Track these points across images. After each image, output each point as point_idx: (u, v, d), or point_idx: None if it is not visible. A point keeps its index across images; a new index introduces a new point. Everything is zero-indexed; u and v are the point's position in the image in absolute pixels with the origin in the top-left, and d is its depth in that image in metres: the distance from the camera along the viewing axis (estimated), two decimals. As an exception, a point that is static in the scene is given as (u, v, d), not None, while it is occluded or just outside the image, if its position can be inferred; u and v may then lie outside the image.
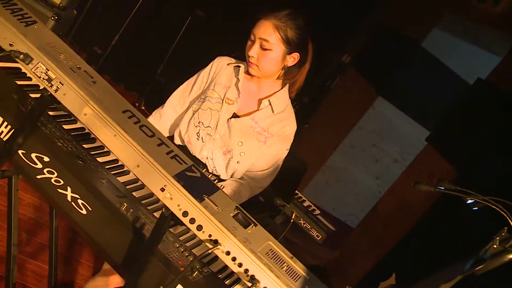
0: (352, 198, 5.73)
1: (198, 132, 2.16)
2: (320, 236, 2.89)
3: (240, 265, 1.19)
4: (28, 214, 2.86)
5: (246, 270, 1.19)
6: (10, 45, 1.32)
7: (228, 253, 1.20)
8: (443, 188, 1.28)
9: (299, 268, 1.23)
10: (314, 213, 3.03)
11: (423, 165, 4.23)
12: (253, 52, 2.06)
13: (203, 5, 5.02)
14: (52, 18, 2.70)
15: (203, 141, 2.15)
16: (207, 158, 2.17)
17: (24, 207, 2.86)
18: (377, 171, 5.73)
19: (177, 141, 2.24)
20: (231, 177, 2.19)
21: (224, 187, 2.11)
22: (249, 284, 1.16)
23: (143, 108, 5.11)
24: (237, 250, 1.19)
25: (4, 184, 2.64)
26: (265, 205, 3.06)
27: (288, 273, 1.21)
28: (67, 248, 2.85)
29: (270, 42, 2.04)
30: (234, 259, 1.20)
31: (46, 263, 2.60)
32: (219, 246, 1.19)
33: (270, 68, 2.11)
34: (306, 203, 3.11)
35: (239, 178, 2.19)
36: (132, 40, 5.06)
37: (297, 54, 2.12)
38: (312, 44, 2.19)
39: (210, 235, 1.21)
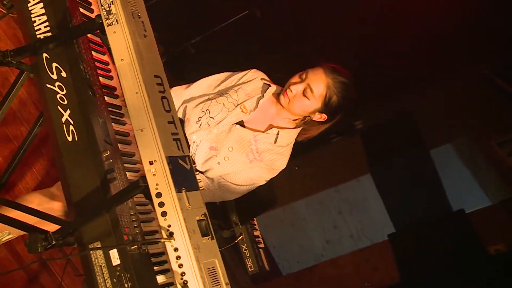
0: (295, 247, 5.76)
1: (201, 117, 2.19)
2: (253, 269, 2.92)
3: (180, 266, 1.22)
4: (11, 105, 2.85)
5: (183, 274, 1.21)
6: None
7: (176, 249, 1.22)
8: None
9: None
10: (259, 246, 3.06)
11: (373, 256, 4.31)
12: (295, 89, 2.11)
13: (264, 9, 5.05)
14: None
15: (200, 127, 2.18)
16: (194, 142, 2.20)
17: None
18: (330, 237, 5.78)
19: (180, 113, 2.28)
20: (204, 172, 2.22)
21: (200, 181, 2.14)
22: (180, 287, 1.19)
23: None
24: (185, 251, 1.22)
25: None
26: (218, 213, 3.09)
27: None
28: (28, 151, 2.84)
29: (313, 94, 2.09)
30: (178, 257, 1.22)
31: (1, 155, 2.60)
32: (171, 240, 1.21)
33: (297, 110, 2.16)
34: (256, 233, 3.14)
35: (210, 180, 2.22)
36: (183, 1, 5.04)
37: (326, 116, 2.17)
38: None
39: (169, 226, 1.24)
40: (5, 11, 1.62)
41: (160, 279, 1.49)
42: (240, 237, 2.89)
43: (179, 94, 2.31)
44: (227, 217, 2.98)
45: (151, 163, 1.26)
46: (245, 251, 2.95)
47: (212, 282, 1.23)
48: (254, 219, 3.15)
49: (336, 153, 5.46)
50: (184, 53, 5.13)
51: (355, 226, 5.72)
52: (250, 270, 2.94)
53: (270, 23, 4.93)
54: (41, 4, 1.56)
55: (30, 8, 1.57)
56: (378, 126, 5.46)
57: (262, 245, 3.17)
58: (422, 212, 4.88)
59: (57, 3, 1.57)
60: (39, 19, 1.56)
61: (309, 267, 4.57)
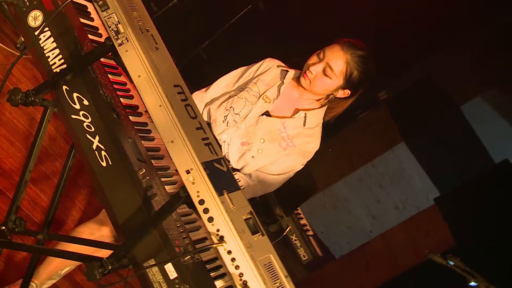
0: (343, 229, 5.73)
1: (226, 116, 2.20)
2: (306, 257, 2.92)
3: (237, 267, 1.21)
4: (41, 141, 2.90)
5: (241, 274, 1.21)
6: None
7: (229, 252, 1.22)
8: (453, 263, 1.30)
9: (290, 289, 1.25)
10: (307, 234, 3.05)
11: (423, 222, 4.23)
12: (314, 70, 2.09)
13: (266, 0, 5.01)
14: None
15: (227, 125, 2.19)
16: (224, 141, 2.21)
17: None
18: (375, 212, 5.72)
19: (204, 116, 2.28)
20: (240, 169, 2.22)
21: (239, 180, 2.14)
22: (239, 289, 1.18)
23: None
24: (239, 252, 1.21)
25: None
26: (261, 209, 3.09)
27: (278, 291, 1.23)
28: (66, 185, 2.89)
29: (333, 72, 2.06)
30: (233, 259, 1.22)
31: (43, 193, 2.65)
32: (223, 244, 1.21)
33: (320, 90, 2.14)
34: (303, 221, 3.13)
35: (247, 176, 2.22)
36: (187, 9, 5.07)
37: (349, 92, 2.15)
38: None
39: (218, 230, 1.23)
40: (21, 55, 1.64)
41: (219, 284, 1.50)
42: (288, 229, 2.89)
43: (200, 98, 2.32)
44: (271, 212, 2.98)
45: (188, 172, 1.26)
46: (295, 241, 2.95)
47: (271, 277, 1.22)
48: (298, 208, 3.14)
49: (366, 128, 5.40)
50: (197, 60, 5.15)
51: (398, 197, 5.65)
52: (303, 259, 2.94)
53: (276, 12, 4.91)
54: (51, 39, 1.58)
55: (42, 45, 1.59)
56: (402, 93, 5.36)
57: (311, 232, 3.16)
58: (465, 170, 4.78)
59: (66, 35, 1.58)
60: (52, 54, 1.57)
61: (360, 246, 4.54)
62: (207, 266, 1.56)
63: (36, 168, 2.75)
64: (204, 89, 2.35)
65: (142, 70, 1.33)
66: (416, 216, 4.35)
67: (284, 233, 2.85)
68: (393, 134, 5.41)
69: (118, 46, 1.34)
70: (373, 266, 4.14)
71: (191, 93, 2.23)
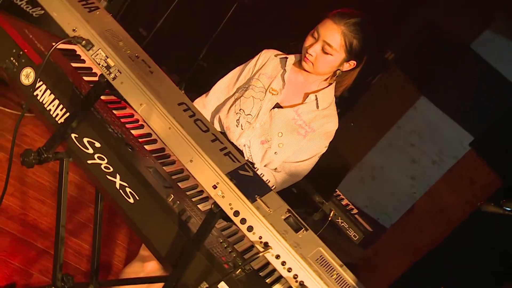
0: (386, 197, 5.64)
1: (238, 119, 2.16)
2: (358, 237, 2.86)
3: (289, 270, 1.17)
4: (69, 192, 2.91)
5: (296, 276, 1.17)
6: (74, 30, 1.31)
7: (278, 256, 1.18)
8: (510, 209, 1.23)
9: (349, 278, 1.20)
10: (352, 213, 2.99)
11: (464, 170, 4.12)
12: (313, 51, 2.03)
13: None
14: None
15: (242, 128, 2.15)
16: (244, 145, 2.17)
17: (66, 185, 2.92)
18: (414, 172, 5.62)
19: (216, 127, 2.24)
20: (264, 166, 2.19)
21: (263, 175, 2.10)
22: (299, 291, 1.14)
23: (182, 91, 5.12)
24: (287, 254, 1.17)
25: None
26: (300, 201, 3.04)
27: (338, 282, 1.18)
28: (105, 228, 2.89)
29: (333, 48, 2.01)
30: (283, 263, 1.18)
31: (85, 242, 2.66)
32: (269, 249, 1.17)
33: (325, 69, 2.10)
34: (345, 202, 3.08)
35: (273, 169, 2.19)
36: (176, 23, 5.04)
37: (354, 62, 2.11)
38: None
39: (260, 237, 1.19)
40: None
41: (277, 288, 1.47)
42: (331, 213, 2.83)
43: (202, 104, 2.29)
44: (311, 201, 2.93)
45: (214, 187, 1.22)
46: (343, 224, 2.90)
47: (326, 270, 1.18)
48: (337, 190, 3.08)
49: (382, 91, 5.30)
50: (199, 70, 5.13)
51: (433, 151, 5.53)
52: (355, 239, 2.88)
53: (263, 3, 4.86)
54: (48, 91, 1.56)
55: (40, 100, 1.57)
56: (407, 48, 5.25)
57: (355, 211, 3.10)
58: (492, 107, 4.65)
59: (61, 83, 1.56)
60: (52, 106, 1.55)
61: (408, 210, 4.44)
62: (260, 273, 1.53)
63: (71, 219, 2.76)
64: (204, 95, 2.32)
65: (142, 97, 1.29)
66: (455, 165, 4.23)
67: (329, 219, 2.79)
68: (410, 91, 5.30)
69: (113, 80, 1.31)
70: (425, 226, 4.05)
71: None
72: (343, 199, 3.12)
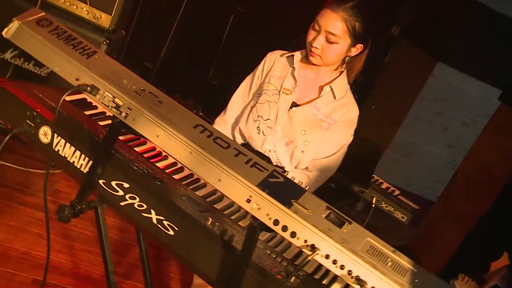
0: (426, 171, 5.53)
1: (258, 126, 2.14)
2: (405, 218, 2.80)
3: (342, 267, 1.14)
4: (113, 236, 2.94)
5: (350, 272, 1.13)
6: (77, 79, 1.32)
7: (327, 256, 1.14)
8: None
9: (404, 262, 1.16)
10: (395, 195, 2.93)
11: (499, 125, 4.01)
12: (318, 43, 2.01)
13: (243, 1, 4.96)
14: (104, 43, 2.76)
15: (264, 135, 2.13)
16: (269, 151, 2.15)
17: (108, 230, 2.94)
18: (448, 140, 5.50)
19: (238, 139, 2.23)
20: (295, 167, 2.17)
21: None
22: (358, 287, 1.10)
23: (200, 114, 5.14)
24: (336, 252, 1.14)
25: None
26: (340, 195, 3.00)
27: (394, 269, 1.14)
28: (155, 264, 2.90)
29: (337, 36, 1.98)
30: (334, 262, 1.14)
31: (140, 282, 2.67)
32: (317, 251, 1.14)
33: (333, 59, 2.07)
34: (385, 186, 3.02)
35: (304, 169, 2.16)
36: (179, 49, 5.09)
37: (361, 45, 2.07)
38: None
39: (305, 241, 1.16)
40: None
41: (336, 287, 1.43)
42: (374, 200, 2.78)
43: (223, 122, 2.28)
44: (351, 192, 2.89)
45: (248, 200, 1.20)
46: (388, 208, 2.84)
47: (379, 259, 1.14)
48: (374, 176, 3.03)
49: (396, 68, 5.21)
50: (211, 90, 5.15)
51: (462, 115, 5.41)
52: (403, 220, 2.82)
53: (257, 7, 4.85)
54: (68, 144, 1.57)
55: (63, 154, 1.58)
56: (412, 18, 5.15)
57: (397, 192, 3.04)
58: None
59: (79, 133, 1.57)
60: (75, 157, 1.56)
61: (451, 179, 4.34)
62: (315, 276, 1.50)
63: (121, 263, 2.77)
64: (222, 113, 2.31)
65: (157, 129, 1.29)
66: (489, 123, 4.12)
67: (373, 206, 2.74)
68: (425, 60, 5.20)
69: (125, 119, 1.31)
70: (472, 191, 3.94)
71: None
72: (382, 183, 3.06)
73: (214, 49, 5.02)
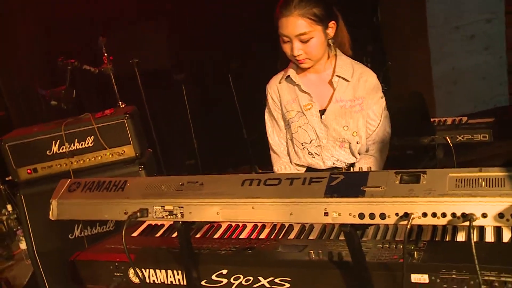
0: (482, 85, 5.29)
1: (309, 152, 2.19)
2: (487, 135, 2.68)
3: (444, 215, 1.09)
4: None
5: (454, 214, 1.09)
6: (125, 213, 1.38)
7: (425, 214, 1.11)
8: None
9: (495, 172, 1.10)
10: (464, 123, 2.83)
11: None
12: (297, 50, 2.03)
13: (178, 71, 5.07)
14: (140, 169, 2.89)
15: (318, 155, 2.19)
16: (333, 163, 2.18)
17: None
18: (480, 44, 5.26)
19: (301, 170, 2.27)
20: (360, 154, 2.20)
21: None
22: (468, 224, 1.05)
23: (260, 171, 5.15)
24: (429, 205, 1.10)
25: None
26: (419, 156, 2.93)
27: (490, 185, 1.09)
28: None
29: (307, 33, 1.99)
30: (434, 214, 1.10)
31: None
32: (412, 215, 1.10)
33: (320, 52, 2.08)
34: (449, 121, 2.93)
35: (365, 152, 2.19)
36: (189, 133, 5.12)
37: (333, 22, 2.07)
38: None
39: (397, 214, 1.13)
40: None
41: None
42: (448, 140, 2.69)
43: (284, 164, 2.30)
44: (425, 147, 2.83)
45: (326, 214, 1.20)
46: (466, 138, 2.74)
47: (472, 186, 1.10)
48: (433, 119, 2.95)
49: (391, 17, 5.15)
50: (251, 148, 5.15)
51: (478, 15, 5.18)
52: (487, 139, 2.71)
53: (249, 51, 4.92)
54: (156, 271, 1.62)
55: (158, 282, 1.63)
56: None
57: (465, 119, 2.95)
58: None
59: (159, 256, 1.63)
60: (169, 277, 1.61)
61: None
62: (436, 239, 1.45)
63: None
64: (274, 159, 2.34)
65: (212, 208, 1.31)
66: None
67: (451, 145, 2.64)
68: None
69: (182, 218, 1.35)
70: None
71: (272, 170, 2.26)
72: (446, 120, 2.97)
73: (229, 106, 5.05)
